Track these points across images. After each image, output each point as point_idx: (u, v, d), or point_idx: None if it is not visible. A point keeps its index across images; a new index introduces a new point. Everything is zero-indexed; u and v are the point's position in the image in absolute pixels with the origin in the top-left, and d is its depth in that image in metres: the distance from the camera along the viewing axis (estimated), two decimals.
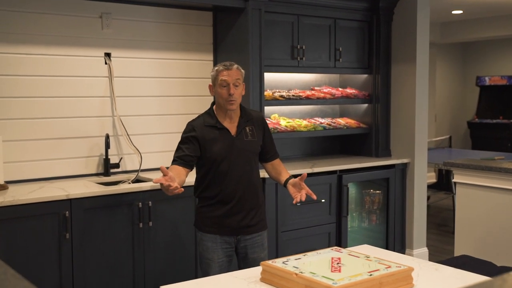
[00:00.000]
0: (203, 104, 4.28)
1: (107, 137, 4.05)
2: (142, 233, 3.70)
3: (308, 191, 2.96)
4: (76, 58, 4.02)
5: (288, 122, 4.85)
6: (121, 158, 4.18)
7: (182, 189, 2.71)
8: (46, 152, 3.94)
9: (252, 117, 3.10)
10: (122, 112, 4.19)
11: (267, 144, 3.18)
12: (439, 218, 7.23)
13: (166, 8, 4.37)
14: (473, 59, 10.74)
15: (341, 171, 4.73)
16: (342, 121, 5.23)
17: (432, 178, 8.68)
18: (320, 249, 2.62)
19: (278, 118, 4.92)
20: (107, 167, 4.09)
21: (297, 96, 4.82)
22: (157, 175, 4.07)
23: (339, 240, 4.73)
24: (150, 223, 3.72)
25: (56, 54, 3.94)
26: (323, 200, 4.61)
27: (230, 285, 2.33)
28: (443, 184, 7.36)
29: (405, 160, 5.12)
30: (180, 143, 3.01)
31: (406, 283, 2.26)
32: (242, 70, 3.06)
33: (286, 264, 2.37)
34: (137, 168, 4.14)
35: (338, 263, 2.38)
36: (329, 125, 5.04)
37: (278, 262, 2.40)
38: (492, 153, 7.45)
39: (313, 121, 5.07)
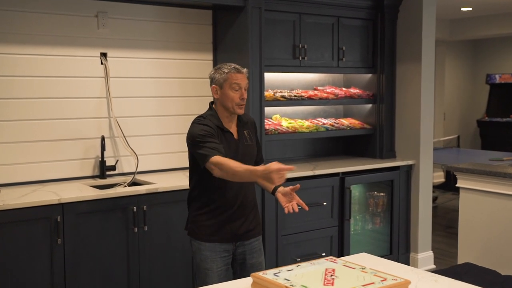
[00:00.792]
0: (203, 104, 4.18)
1: (103, 138, 3.97)
2: (136, 238, 3.62)
3: (299, 201, 2.83)
4: (71, 58, 3.94)
5: (290, 123, 4.74)
6: (117, 160, 4.09)
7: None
8: (41, 155, 3.86)
9: (247, 121, 3.01)
10: (119, 113, 4.11)
11: (258, 149, 3.09)
12: (446, 219, 7.09)
13: (164, 7, 4.27)
14: (483, 56, 10.56)
15: (343, 173, 4.62)
16: (345, 121, 5.11)
17: (440, 177, 8.55)
18: (315, 260, 2.52)
19: (280, 119, 4.81)
20: (103, 169, 4.00)
21: (299, 97, 4.70)
22: (154, 177, 4.01)
23: (342, 244, 4.63)
24: (145, 228, 3.63)
25: (51, 54, 3.86)
26: (324, 203, 4.50)
27: None
28: (451, 184, 7.23)
29: (410, 162, 4.99)
30: (203, 136, 2.74)
31: None
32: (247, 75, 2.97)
33: (277, 276, 2.27)
34: (134, 170, 4.06)
35: (331, 275, 2.27)
36: (332, 126, 4.93)
37: (269, 274, 2.30)
38: (502, 153, 7.31)
39: (315, 121, 4.96)
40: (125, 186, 3.85)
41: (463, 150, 8.31)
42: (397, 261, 4.93)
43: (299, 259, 4.32)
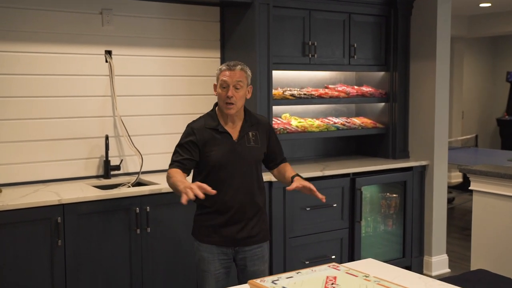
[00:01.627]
0: (210, 103, 4.01)
1: (107, 138, 3.90)
2: (139, 240, 3.54)
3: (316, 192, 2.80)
4: (75, 56, 3.87)
5: (300, 122, 4.63)
6: (122, 160, 4.02)
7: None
8: (44, 154, 3.80)
9: (257, 122, 2.89)
10: (123, 112, 4.03)
11: (274, 151, 2.98)
12: (463, 221, 6.92)
13: (170, 4, 4.18)
14: (503, 53, 10.32)
15: (354, 174, 4.49)
16: (357, 120, 4.99)
17: (458, 178, 8.35)
18: (317, 266, 2.41)
19: (289, 117, 4.70)
20: (108, 169, 3.94)
21: (309, 95, 4.59)
22: (159, 178, 3.93)
23: (352, 246, 4.51)
24: (148, 229, 3.55)
25: (54, 52, 3.80)
26: (334, 205, 4.38)
27: None
28: (469, 185, 7.03)
29: (423, 162, 4.85)
30: (178, 146, 2.82)
31: None
32: (248, 72, 2.84)
33: (276, 284, 2.17)
34: (139, 170, 3.98)
35: (332, 284, 2.17)
36: (343, 125, 4.81)
37: (267, 282, 2.20)
38: None
39: (326, 120, 4.84)
40: (129, 186, 3.78)
41: (481, 150, 8.11)
42: (410, 265, 4.84)
43: (307, 262, 4.21)
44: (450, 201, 7.66)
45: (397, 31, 4.87)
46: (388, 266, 2.63)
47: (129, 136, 4.02)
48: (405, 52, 4.93)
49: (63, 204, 3.28)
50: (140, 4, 4.07)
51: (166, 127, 4.23)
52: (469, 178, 3.83)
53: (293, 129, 4.46)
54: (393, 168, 4.72)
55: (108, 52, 3.97)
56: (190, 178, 2.93)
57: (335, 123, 4.81)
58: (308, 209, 4.24)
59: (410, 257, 4.87)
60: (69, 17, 3.83)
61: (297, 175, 2.91)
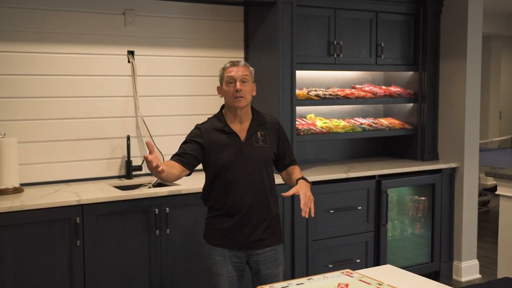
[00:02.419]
0: None
1: (128, 138, 3.90)
2: (158, 241, 3.52)
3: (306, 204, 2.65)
4: (98, 56, 3.89)
5: (325, 123, 4.55)
6: (143, 160, 4.02)
7: (165, 169, 2.48)
8: (66, 154, 3.82)
9: (265, 122, 2.84)
10: (145, 112, 4.03)
11: (283, 152, 2.91)
12: (498, 225, 6.70)
13: (194, 4, 4.16)
14: None
15: (380, 176, 4.39)
16: (385, 121, 4.88)
17: (493, 180, 8.13)
18: (329, 273, 2.34)
19: (315, 118, 4.63)
20: (129, 169, 3.94)
21: (334, 95, 4.51)
22: (181, 179, 3.91)
23: (378, 250, 4.40)
24: (168, 231, 3.54)
25: (77, 53, 3.82)
26: (359, 207, 4.29)
27: None
28: None
29: (453, 165, 4.71)
30: (182, 143, 2.81)
31: None
32: (251, 68, 2.83)
33: None
34: None
35: None
36: (370, 126, 4.70)
37: (276, 287, 2.15)
38: None
39: (352, 121, 4.75)
40: (150, 187, 3.77)
41: None
42: (439, 270, 4.71)
43: (331, 266, 4.14)
44: (485, 203, 7.46)
45: (426, 29, 4.75)
46: (406, 273, 2.54)
47: (150, 136, 4.02)
48: (434, 51, 4.80)
49: (82, 205, 3.29)
50: (163, 4, 4.06)
51: (188, 128, 4.11)
52: (496, 183, 3.70)
53: (317, 130, 4.39)
54: (420, 171, 4.59)
55: (131, 53, 3.98)
56: (202, 179, 2.90)
57: (361, 123, 4.72)
58: (332, 211, 4.17)
59: (439, 262, 4.74)
60: (92, 18, 3.84)
61: (302, 178, 2.82)
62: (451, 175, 4.74)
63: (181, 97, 4.18)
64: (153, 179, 3.91)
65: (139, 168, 3.97)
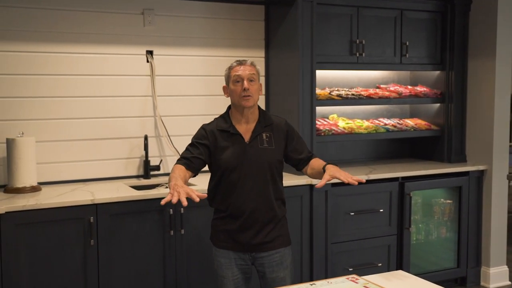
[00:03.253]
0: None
1: (146, 138, 3.90)
2: (173, 242, 3.50)
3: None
4: (117, 56, 3.90)
5: (347, 124, 4.46)
6: (161, 160, 4.01)
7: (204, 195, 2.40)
8: (85, 153, 3.85)
9: (271, 123, 2.78)
10: (164, 112, 4.02)
11: (297, 151, 2.84)
12: None
13: (213, 3, 4.13)
14: None
15: (403, 178, 4.28)
16: (410, 122, 4.75)
17: None
18: (333, 278, 2.28)
19: (337, 118, 4.54)
20: (147, 169, 3.94)
21: (357, 95, 4.41)
22: (198, 179, 3.86)
23: (401, 253, 4.29)
24: (182, 231, 3.51)
25: (96, 53, 3.84)
26: (381, 210, 4.19)
27: None
28: None
29: (481, 167, 4.55)
30: (189, 144, 2.79)
31: None
32: (258, 67, 2.77)
33: None
34: None
35: None
36: (394, 126, 4.59)
37: None
38: None
39: (376, 122, 4.65)
40: (166, 187, 3.75)
41: None
42: (466, 275, 4.57)
43: (351, 269, 4.05)
44: None
45: (454, 27, 4.60)
46: (417, 279, 2.45)
47: (168, 136, 4.01)
48: (462, 50, 4.65)
49: (95, 204, 3.29)
50: (182, 4, 4.05)
51: None
52: None
53: (339, 131, 4.30)
54: (446, 173, 4.46)
55: (150, 52, 3.97)
56: (206, 180, 2.87)
57: (385, 124, 4.61)
58: (352, 214, 4.08)
59: (466, 268, 4.59)
60: (111, 17, 3.85)
61: (329, 163, 2.71)
62: (479, 178, 4.59)
63: (200, 97, 4.16)
64: None
65: (157, 168, 3.96)
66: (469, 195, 4.55)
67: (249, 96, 2.67)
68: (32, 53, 3.67)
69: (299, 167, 2.90)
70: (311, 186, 3.90)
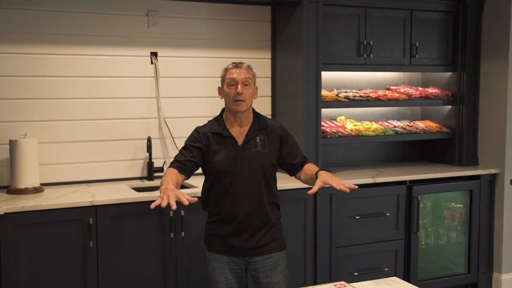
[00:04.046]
0: (259, 105, 3.96)
1: (149, 139, 3.89)
2: (173, 244, 3.49)
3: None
4: (121, 58, 3.90)
5: (355, 126, 4.39)
6: (165, 161, 4.00)
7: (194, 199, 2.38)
8: (89, 155, 3.86)
9: (266, 126, 2.75)
10: (168, 113, 4.01)
11: (291, 155, 2.80)
12: None
13: (219, 4, 4.11)
14: None
15: (411, 181, 4.20)
16: (421, 124, 4.66)
17: None
18: (322, 284, 2.23)
19: (345, 120, 4.48)
20: (151, 171, 3.93)
21: (365, 97, 4.34)
22: (201, 181, 3.88)
23: (409, 258, 4.21)
24: (183, 234, 3.50)
25: (100, 54, 3.84)
26: (388, 214, 4.11)
27: None
28: None
29: (493, 171, 4.44)
30: (182, 147, 2.77)
31: None
32: (254, 71, 2.75)
33: None
34: None
35: None
36: (404, 129, 4.51)
37: None
38: None
39: (386, 124, 4.57)
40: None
41: None
42: (477, 281, 4.46)
43: (356, 273, 3.99)
44: None
45: (466, 28, 4.50)
46: (411, 286, 2.39)
47: (172, 138, 4.00)
48: (474, 51, 4.54)
49: (95, 206, 3.29)
50: (187, 5, 4.03)
51: None
52: None
53: (346, 133, 4.24)
54: (456, 176, 4.37)
55: (154, 54, 3.97)
56: (200, 183, 2.85)
57: (395, 126, 4.53)
58: (358, 217, 4.02)
59: (477, 273, 4.49)
60: (115, 19, 3.86)
61: (320, 169, 2.67)
62: (491, 181, 4.48)
63: (205, 98, 4.14)
64: None
65: (161, 169, 3.96)
66: (481, 199, 4.45)
67: (241, 101, 2.64)
68: (36, 55, 3.69)
69: (292, 173, 2.85)
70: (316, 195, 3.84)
